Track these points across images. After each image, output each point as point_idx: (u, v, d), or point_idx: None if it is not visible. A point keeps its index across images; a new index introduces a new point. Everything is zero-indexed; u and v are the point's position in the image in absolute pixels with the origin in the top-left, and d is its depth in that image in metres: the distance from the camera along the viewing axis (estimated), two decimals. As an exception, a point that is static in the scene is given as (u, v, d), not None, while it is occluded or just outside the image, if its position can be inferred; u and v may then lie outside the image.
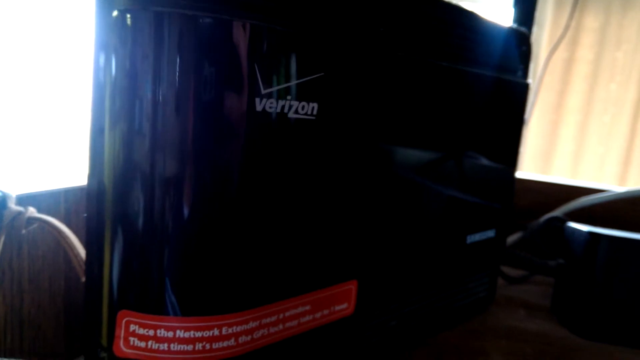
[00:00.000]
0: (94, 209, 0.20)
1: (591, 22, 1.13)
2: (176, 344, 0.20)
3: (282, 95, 0.20)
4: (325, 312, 0.25)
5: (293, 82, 0.20)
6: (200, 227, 0.19)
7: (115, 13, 0.18)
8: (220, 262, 0.20)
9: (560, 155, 1.24)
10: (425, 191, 0.29)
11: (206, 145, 0.19)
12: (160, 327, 0.20)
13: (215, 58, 0.19)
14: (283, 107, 0.20)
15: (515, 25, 0.36)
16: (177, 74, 0.18)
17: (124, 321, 0.20)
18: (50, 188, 0.25)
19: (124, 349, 0.20)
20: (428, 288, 0.31)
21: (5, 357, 0.24)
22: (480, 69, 0.31)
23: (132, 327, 0.20)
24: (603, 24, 1.12)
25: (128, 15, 0.18)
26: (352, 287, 0.26)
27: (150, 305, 0.20)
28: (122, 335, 0.20)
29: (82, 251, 0.23)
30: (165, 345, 0.20)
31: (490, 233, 0.36)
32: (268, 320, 0.22)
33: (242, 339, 0.21)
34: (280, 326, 0.22)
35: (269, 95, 0.20)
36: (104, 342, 0.21)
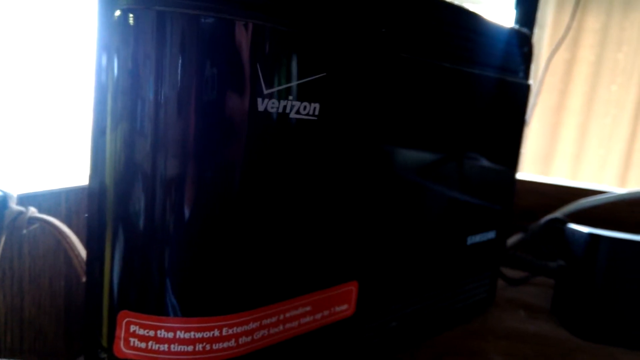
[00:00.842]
0: (95, 209, 0.20)
1: (592, 23, 1.13)
2: (176, 344, 0.20)
3: (284, 95, 0.20)
4: (326, 313, 0.24)
5: (295, 83, 0.20)
6: (201, 228, 0.19)
7: (117, 13, 0.18)
8: (221, 262, 0.20)
9: (561, 157, 1.24)
10: (427, 192, 0.29)
11: (208, 145, 0.19)
12: (160, 327, 0.20)
13: (218, 58, 0.19)
14: (285, 107, 0.20)
15: (516, 26, 0.36)
16: (179, 73, 0.18)
17: (124, 322, 0.20)
18: (51, 188, 0.25)
19: (124, 350, 0.20)
20: (428, 289, 0.31)
21: (5, 357, 0.24)
22: (482, 69, 0.31)
23: (132, 328, 0.20)
24: (604, 25, 1.12)
25: (130, 15, 0.18)
26: (352, 288, 0.26)
27: (151, 306, 0.20)
28: (122, 336, 0.20)
29: (82, 251, 0.23)
30: (166, 346, 0.20)
31: (491, 234, 0.36)
32: (268, 321, 0.22)
33: (243, 339, 0.21)
34: (281, 327, 0.22)
35: (270, 96, 0.20)
36: (104, 342, 0.21)
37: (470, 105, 0.31)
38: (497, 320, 0.38)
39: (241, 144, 0.19)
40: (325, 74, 0.21)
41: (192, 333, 0.20)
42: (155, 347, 0.20)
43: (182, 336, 0.20)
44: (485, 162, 0.33)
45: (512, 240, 0.47)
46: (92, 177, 0.20)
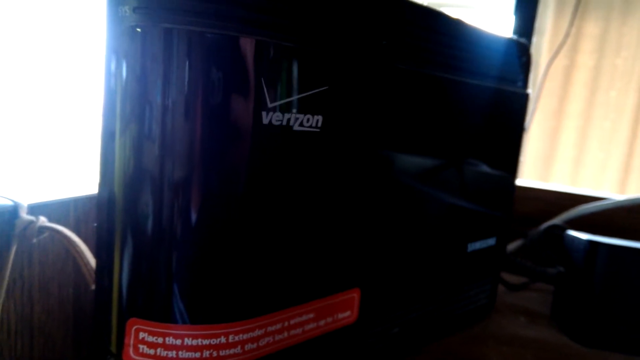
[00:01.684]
0: (104, 217, 0.21)
1: (591, 28, 1.14)
2: (184, 351, 0.20)
3: (287, 108, 0.21)
4: (329, 319, 0.25)
5: (298, 96, 0.21)
6: (208, 237, 0.20)
7: (125, 28, 0.19)
8: (227, 271, 0.21)
9: (561, 161, 1.25)
10: (428, 200, 0.29)
11: (214, 157, 0.19)
12: (168, 334, 0.20)
13: (223, 73, 0.19)
14: (289, 120, 0.21)
15: (515, 37, 0.36)
16: (186, 88, 0.19)
17: (133, 329, 0.20)
18: (59, 197, 0.25)
19: (133, 356, 0.20)
20: (430, 295, 0.32)
21: (15, 363, 0.24)
22: (481, 80, 0.32)
23: (141, 335, 0.20)
24: (603, 31, 1.13)
25: (138, 30, 0.19)
26: (355, 295, 0.26)
27: (159, 313, 0.20)
28: (131, 342, 0.20)
29: (91, 259, 0.24)
30: (174, 352, 0.20)
31: (491, 241, 0.37)
32: (273, 328, 0.22)
33: (248, 346, 0.21)
34: (285, 334, 0.23)
35: (275, 109, 0.20)
36: (114, 349, 0.21)
37: (470, 115, 0.31)
38: (498, 326, 0.39)
39: (247, 156, 0.20)
40: (327, 87, 0.22)
41: (200, 340, 0.20)
42: (164, 353, 0.20)
43: (189, 343, 0.20)
44: (485, 170, 0.34)
45: (512, 246, 0.48)
46: (101, 186, 0.21)
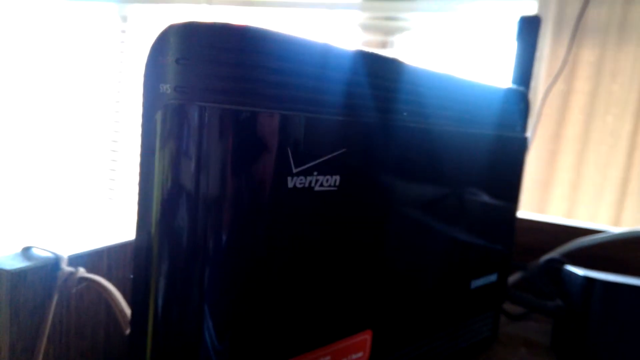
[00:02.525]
0: (142, 267, 0.23)
1: (588, 55, 1.17)
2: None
3: (310, 172, 0.23)
4: (344, 360, 0.27)
5: (319, 160, 0.23)
6: (239, 293, 0.22)
7: (165, 104, 0.21)
8: (253, 322, 0.23)
9: (559, 184, 1.27)
10: (434, 244, 0.31)
11: (244, 218, 0.22)
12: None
13: (252, 145, 0.21)
14: (311, 182, 0.23)
15: (514, 86, 0.39)
16: (219, 160, 0.21)
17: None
18: (95, 247, 0.27)
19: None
20: (436, 331, 0.34)
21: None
22: (484, 129, 0.34)
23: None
24: (599, 58, 1.16)
25: (173, 109, 0.21)
26: (367, 337, 0.28)
27: (192, 360, 0.22)
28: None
29: (125, 305, 0.26)
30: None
31: (493, 277, 0.39)
32: (294, 371, 0.24)
33: (272, 389, 0.23)
34: (305, 376, 0.25)
35: (299, 174, 0.22)
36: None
37: (474, 162, 0.33)
38: (500, 358, 0.40)
39: (273, 216, 0.22)
40: (345, 149, 0.24)
41: (229, 386, 0.22)
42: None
43: (219, 388, 0.22)
44: (487, 211, 0.36)
45: (512, 279, 0.50)
46: (137, 236, 0.23)
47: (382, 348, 0.29)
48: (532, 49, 0.40)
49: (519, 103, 0.38)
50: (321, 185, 0.23)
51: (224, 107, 0.21)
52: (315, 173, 0.23)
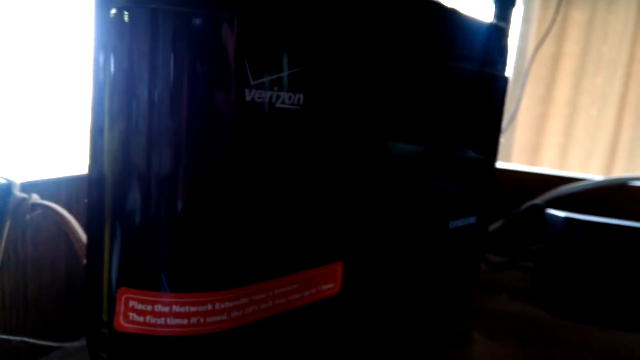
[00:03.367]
0: (95, 195, 0.22)
1: (578, 16, 1.15)
2: (172, 318, 0.21)
3: (270, 86, 0.22)
4: (313, 291, 0.26)
5: (280, 74, 0.22)
6: (194, 209, 0.21)
7: (113, 11, 0.20)
8: (213, 242, 0.22)
9: (549, 147, 1.27)
10: (409, 178, 0.31)
11: (199, 132, 0.20)
12: (157, 302, 0.21)
13: (207, 52, 0.20)
14: (271, 97, 0.22)
15: (494, 21, 0.37)
16: (172, 66, 0.20)
17: (123, 298, 0.21)
18: (52, 176, 0.26)
19: (124, 324, 0.21)
20: (412, 271, 0.33)
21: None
22: (461, 62, 0.33)
23: (131, 303, 0.21)
24: (589, 19, 1.14)
25: (125, 13, 0.20)
26: (337, 268, 0.27)
27: (148, 282, 0.21)
28: (121, 311, 0.21)
29: (82, 235, 0.25)
30: (162, 319, 0.21)
31: (472, 219, 0.38)
32: (258, 297, 0.23)
33: (234, 314, 0.23)
34: (270, 303, 0.24)
35: (257, 87, 0.21)
36: (105, 318, 0.22)
37: (449, 96, 0.32)
38: (480, 303, 0.40)
39: (230, 130, 0.21)
40: (307, 66, 0.23)
41: (187, 307, 0.21)
42: (153, 320, 0.21)
43: (177, 310, 0.21)
44: (465, 150, 0.35)
45: (494, 225, 0.49)
46: (91, 168, 0.22)
47: (354, 282, 0.28)
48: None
49: (499, 40, 0.37)
50: (283, 102, 0.22)
51: (177, 9, 0.20)
52: (275, 88, 0.22)
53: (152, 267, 0.21)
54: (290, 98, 0.22)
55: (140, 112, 0.20)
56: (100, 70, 0.21)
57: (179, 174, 0.21)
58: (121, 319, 0.21)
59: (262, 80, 0.21)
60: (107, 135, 0.21)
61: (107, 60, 0.20)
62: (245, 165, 0.22)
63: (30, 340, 0.25)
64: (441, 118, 0.32)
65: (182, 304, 0.21)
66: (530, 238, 0.45)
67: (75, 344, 0.27)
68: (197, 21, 0.20)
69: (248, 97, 0.21)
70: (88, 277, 0.23)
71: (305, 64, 0.23)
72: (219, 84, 0.20)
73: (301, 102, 0.23)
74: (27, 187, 0.25)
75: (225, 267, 0.22)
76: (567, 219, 0.38)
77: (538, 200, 0.48)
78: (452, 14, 0.32)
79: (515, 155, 1.26)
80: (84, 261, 0.24)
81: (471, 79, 0.34)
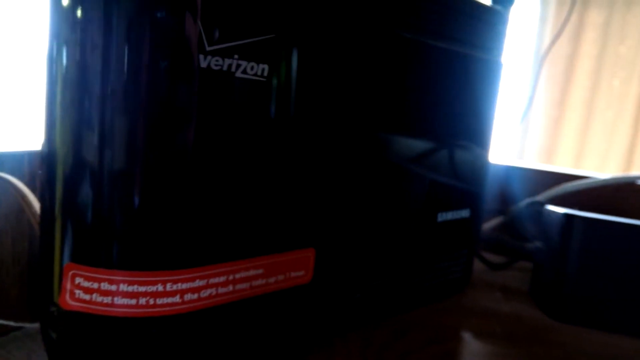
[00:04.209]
0: (47, 168, 0.21)
1: (595, 17, 1.12)
2: (120, 297, 0.20)
3: (228, 54, 0.20)
4: (280, 277, 0.25)
5: (241, 41, 0.21)
6: (145, 182, 0.20)
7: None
8: (166, 218, 0.20)
9: (564, 151, 1.24)
10: (389, 164, 0.29)
11: (154, 99, 0.19)
12: (104, 280, 0.20)
13: (161, 16, 0.19)
14: (230, 65, 0.20)
15: (491, 4, 0.36)
16: (125, 31, 0.19)
17: (70, 274, 0.20)
18: (13, 150, 0.25)
19: (70, 302, 0.20)
20: (396, 264, 0.31)
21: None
22: (453, 45, 0.31)
23: (77, 280, 0.20)
24: (606, 19, 1.11)
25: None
26: (309, 255, 0.26)
27: (95, 258, 0.20)
28: (68, 288, 0.20)
29: (38, 208, 0.24)
30: (109, 298, 0.20)
31: (464, 213, 0.36)
32: (217, 280, 0.22)
33: (188, 296, 0.21)
34: (230, 287, 0.23)
35: (214, 53, 0.20)
36: (55, 296, 0.21)
37: (438, 80, 0.31)
38: (471, 300, 0.38)
39: (186, 99, 0.20)
40: (274, 35, 0.22)
41: (135, 286, 0.20)
42: (99, 299, 0.20)
43: (125, 289, 0.20)
44: (457, 139, 0.34)
45: (492, 223, 0.47)
46: (45, 143, 0.21)
47: (328, 271, 0.27)
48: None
49: (497, 24, 0.35)
50: (244, 72, 0.21)
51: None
52: (235, 56, 0.21)
53: (100, 243, 0.20)
54: (252, 68, 0.21)
55: (90, 79, 0.19)
56: (53, 29, 0.20)
57: (130, 148, 0.19)
58: (67, 297, 0.20)
59: (220, 46, 0.20)
60: (59, 107, 0.20)
61: (60, 14, 0.19)
62: (201, 137, 0.20)
63: (-14, 319, 0.24)
64: (431, 102, 0.31)
65: (130, 283, 0.20)
66: (528, 235, 0.43)
67: (36, 325, 0.26)
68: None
69: (203, 64, 0.20)
70: (41, 253, 0.22)
71: (272, 32, 0.22)
72: (171, 48, 0.19)
73: (265, 73, 0.22)
74: (-15, 160, 0.24)
75: (178, 246, 0.21)
76: (565, 215, 0.36)
77: (539, 197, 0.46)
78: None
79: (529, 158, 1.23)
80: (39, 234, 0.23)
81: (463, 63, 0.33)
